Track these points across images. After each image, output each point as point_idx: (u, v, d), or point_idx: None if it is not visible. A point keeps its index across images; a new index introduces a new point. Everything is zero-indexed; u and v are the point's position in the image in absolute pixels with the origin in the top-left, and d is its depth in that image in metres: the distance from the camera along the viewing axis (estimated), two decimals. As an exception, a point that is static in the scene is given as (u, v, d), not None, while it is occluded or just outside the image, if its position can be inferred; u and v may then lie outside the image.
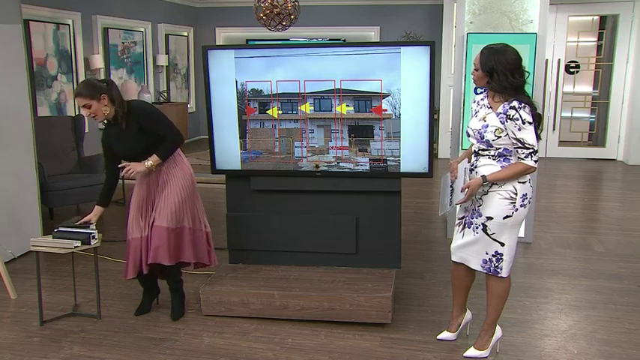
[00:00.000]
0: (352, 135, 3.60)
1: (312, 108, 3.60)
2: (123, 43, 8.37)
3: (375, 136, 3.56)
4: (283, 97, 3.61)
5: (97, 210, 3.49)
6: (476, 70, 2.81)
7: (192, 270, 3.78)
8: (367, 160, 3.61)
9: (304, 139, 3.66)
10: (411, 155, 3.54)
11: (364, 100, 3.53)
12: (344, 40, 9.44)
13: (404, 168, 3.58)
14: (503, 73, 2.71)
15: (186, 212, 3.42)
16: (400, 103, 3.48)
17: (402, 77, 3.44)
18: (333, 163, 3.66)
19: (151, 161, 3.31)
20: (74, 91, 3.31)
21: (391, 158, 3.57)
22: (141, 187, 3.44)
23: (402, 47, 3.47)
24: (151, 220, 3.38)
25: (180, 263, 3.49)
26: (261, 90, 3.63)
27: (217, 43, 10.14)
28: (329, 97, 3.56)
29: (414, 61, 3.42)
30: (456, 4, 6.54)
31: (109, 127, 3.39)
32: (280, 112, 3.64)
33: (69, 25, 7.18)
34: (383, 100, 3.49)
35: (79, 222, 3.44)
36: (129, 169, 3.32)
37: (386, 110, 3.50)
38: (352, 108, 3.55)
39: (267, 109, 3.66)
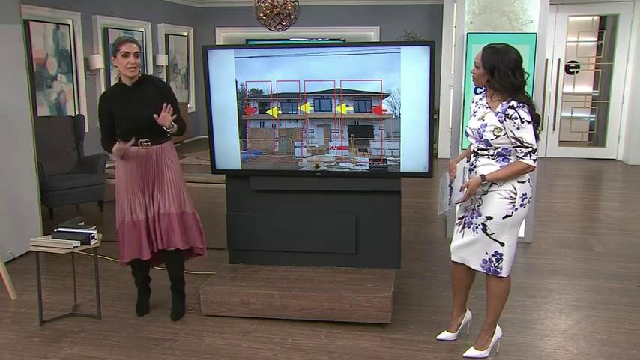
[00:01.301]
0: (352, 135, 3.60)
1: (312, 108, 3.60)
2: (123, 43, 8.36)
3: (375, 136, 3.56)
4: (283, 97, 3.61)
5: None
6: (477, 67, 2.81)
7: (192, 270, 3.78)
8: (367, 160, 3.61)
9: (304, 139, 3.66)
10: (411, 155, 3.54)
11: (364, 100, 3.53)
12: (344, 40, 9.43)
13: (404, 168, 3.58)
14: (504, 71, 2.72)
15: (186, 198, 3.45)
16: (400, 103, 3.48)
17: (402, 77, 3.44)
18: (333, 163, 3.66)
19: (175, 127, 3.33)
20: (129, 38, 3.36)
21: (391, 158, 3.57)
22: (138, 169, 3.35)
23: (401, 47, 3.47)
24: (156, 206, 3.37)
25: (184, 258, 3.53)
26: (261, 90, 3.63)
27: (217, 43, 10.13)
28: (329, 97, 3.56)
29: (413, 61, 3.42)
30: (455, 4, 6.53)
31: (120, 90, 3.34)
32: (280, 112, 3.64)
33: (69, 25, 7.18)
34: (383, 100, 3.49)
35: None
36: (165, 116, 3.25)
37: (386, 110, 3.50)
38: (352, 108, 3.55)
39: (267, 109, 3.66)
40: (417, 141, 3.51)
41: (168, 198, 3.36)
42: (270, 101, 3.64)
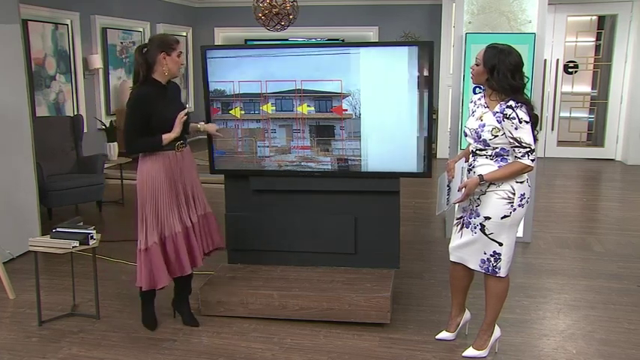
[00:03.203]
0: (314, 135, 3.59)
1: (274, 108, 3.59)
2: (121, 43, 8.36)
3: (335, 135, 3.56)
4: (278, 95, 3.60)
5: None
6: (477, 65, 2.81)
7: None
8: (329, 159, 3.61)
9: (267, 139, 3.66)
10: (409, 155, 3.53)
11: (325, 100, 3.52)
12: (342, 40, 9.43)
13: (402, 168, 3.57)
14: (504, 73, 2.72)
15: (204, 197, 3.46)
16: (360, 103, 3.45)
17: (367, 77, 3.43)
18: (295, 163, 3.66)
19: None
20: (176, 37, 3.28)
21: (352, 157, 3.57)
22: (175, 174, 3.19)
23: (400, 47, 3.47)
24: (194, 210, 3.31)
25: None
26: (224, 90, 3.64)
27: (216, 43, 10.13)
28: (328, 98, 3.56)
29: (396, 61, 3.41)
30: (454, 4, 6.54)
31: (157, 89, 3.14)
32: (243, 111, 3.65)
33: (67, 25, 7.18)
34: (343, 100, 3.48)
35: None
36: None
37: (346, 110, 3.49)
38: (313, 108, 3.55)
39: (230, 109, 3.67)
40: (416, 141, 3.50)
41: (201, 199, 3.37)
42: (262, 100, 3.63)
